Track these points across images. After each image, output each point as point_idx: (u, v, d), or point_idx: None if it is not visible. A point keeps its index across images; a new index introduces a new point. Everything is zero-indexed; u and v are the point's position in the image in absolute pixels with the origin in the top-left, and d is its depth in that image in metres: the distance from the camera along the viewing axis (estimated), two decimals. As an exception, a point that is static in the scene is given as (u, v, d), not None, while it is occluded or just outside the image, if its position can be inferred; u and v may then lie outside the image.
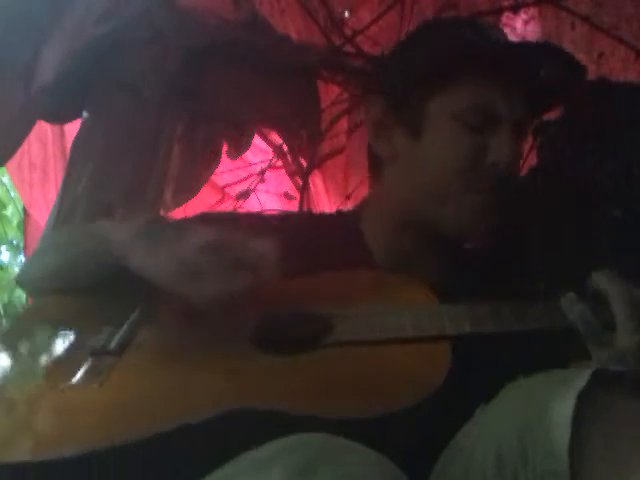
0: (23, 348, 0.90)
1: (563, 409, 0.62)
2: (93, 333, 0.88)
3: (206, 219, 1.09)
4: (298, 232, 1.06)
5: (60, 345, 0.88)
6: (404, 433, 0.76)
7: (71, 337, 0.89)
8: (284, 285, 0.90)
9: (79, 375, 0.81)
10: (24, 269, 1.13)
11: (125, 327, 0.87)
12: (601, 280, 0.83)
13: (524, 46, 1.02)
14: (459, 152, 0.97)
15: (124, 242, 0.87)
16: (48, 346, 0.88)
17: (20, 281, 1.10)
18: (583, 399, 0.62)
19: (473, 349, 0.82)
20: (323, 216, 1.19)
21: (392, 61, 1.10)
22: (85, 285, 0.94)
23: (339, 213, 1.23)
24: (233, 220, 1.11)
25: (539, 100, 1.00)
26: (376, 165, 1.07)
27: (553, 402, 0.64)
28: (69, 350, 0.87)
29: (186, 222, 1.03)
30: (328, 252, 0.99)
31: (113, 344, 0.85)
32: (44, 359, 0.86)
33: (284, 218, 1.18)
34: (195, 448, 0.72)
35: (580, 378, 0.64)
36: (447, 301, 0.88)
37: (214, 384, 0.79)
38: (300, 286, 0.93)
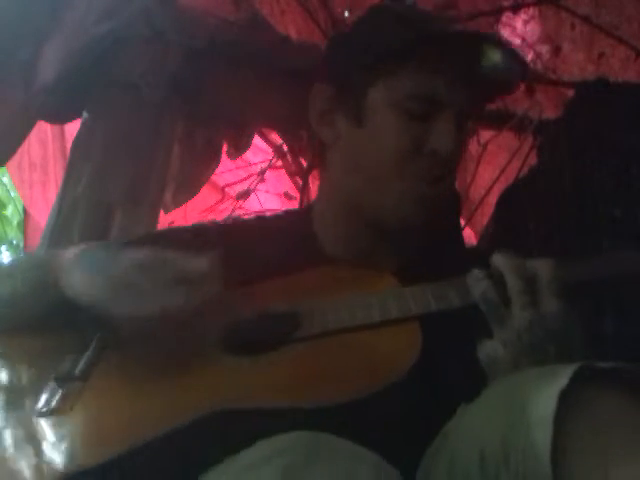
0: None
1: (544, 409, 0.62)
2: (56, 362, 0.87)
3: (148, 238, 1.10)
4: (248, 237, 1.06)
5: (24, 379, 0.88)
6: (382, 414, 0.77)
7: (33, 370, 0.88)
8: (246, 291, 0.91)
9: (49, 403, 0.81)
10: None
11: (88, 352, 0.87)
12: (498, 260, 0.82)
13: (463, 34, 0.99)
14: (397, 141, 0.95)
15: (63, 271, 0.88)
16: (13, 382, 0.88)
17: None
18: (568, 395, 0.62)
19: (443, 325, 0.83)
20: (274, 218, 1.19)
21: (338, 46, 1.09)
22: (31, 317, 0.93)
23: (289, 212, 1.22)
24: (177, 235, 1.10)
25: (481, 90, 0.98)
26: (321, 151, 1.06)
27: (534, 401, 0.63)
28: (34, 382, 0.86)
29: (123, 243, 1.02)
30: (280, 253, 0.98)
31: (78, 370, 0.85)
32: (11, 394, 0.85)
33: (235, 224, 1.18)
34: (179, 455, 0.72)
35: (563, 375, 0.63)
36: (410, 284, 0.89)
37: (188, 392, 0.79)
38: (261, 290, 0.93)
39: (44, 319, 0.92)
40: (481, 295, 0.81)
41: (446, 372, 0.86)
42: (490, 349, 0.80)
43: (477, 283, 0.82)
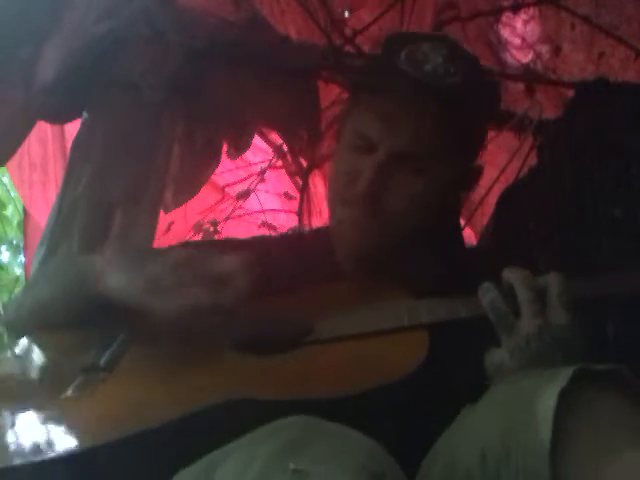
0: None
1: (545, 408, 0.64)
2: (82, 354, 0.93)
3: (184, 245, 1.17)
4: (274, 254, 1.11)
5: (56, 368, 0.94)
6: (381, 410, 0.80)
7: (63, 361, 0.95)
8: (266, 302, 0.95)
9: (75, 390, 0.87)
10: (11, 309, 1.16)
11: (113, 346, 0.93)
12: (509, 273, 0.86)
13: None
14: (338, 168, 1.04)
15: (101, 273, 0.93)
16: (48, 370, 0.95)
17: (8, 321, 1.10)
18: (568, 396, 0.64)
19: (452, 335, 0.87)
20: (300, 235, 1.26)
21: None
22: (71, 317, 0.98)
23: (314, 230, 1.28)
24: (210, 246, 1.18)
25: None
26: None
27: (535, 401, 0.65)
28: (62, 370, 0.92)
29: (163, 248, 1.09)
30: (302, 269, 1.04)
31: (102, 361, 0.91)
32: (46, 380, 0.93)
33: (261, 242, 1.23)
34: (194, 436, 0.76)
35: (562, 376, 0.66)
36: (423, 298, 0.93)
37: (205, 382, 0.85)
38: (279, 302, 0.99)
39: (74, 318, 0.98)
40: (490, 304, 0.83)
41: (452, 379, 0.88)
42: (497, 357, 0.82)
43: (486, 293, 0.84)
